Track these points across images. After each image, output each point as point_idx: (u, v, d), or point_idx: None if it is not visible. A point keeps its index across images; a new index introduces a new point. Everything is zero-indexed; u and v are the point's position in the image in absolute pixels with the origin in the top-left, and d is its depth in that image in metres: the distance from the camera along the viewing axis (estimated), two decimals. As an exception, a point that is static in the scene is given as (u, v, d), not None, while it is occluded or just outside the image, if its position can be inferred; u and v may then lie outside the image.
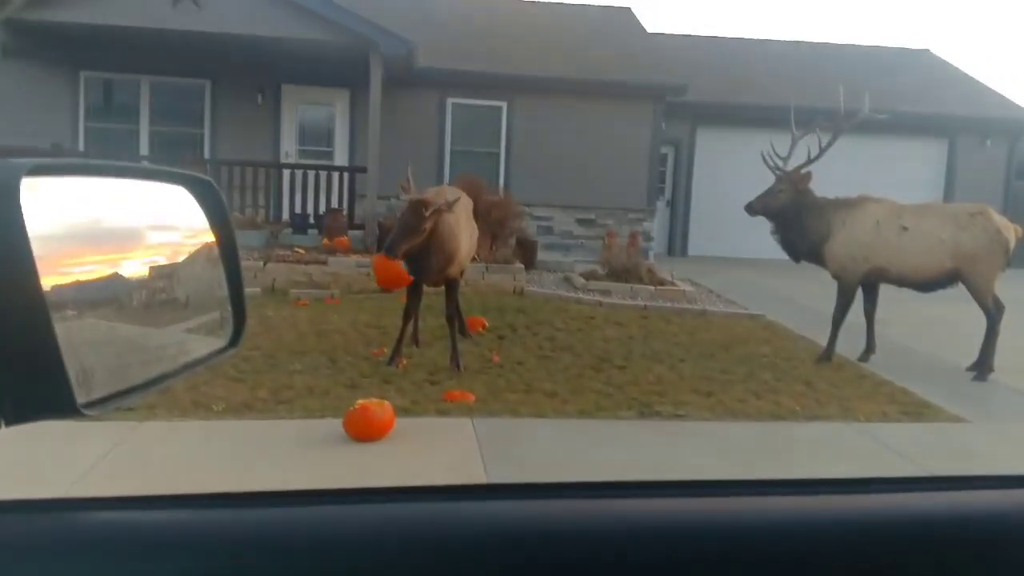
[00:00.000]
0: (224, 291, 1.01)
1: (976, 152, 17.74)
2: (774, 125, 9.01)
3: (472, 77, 14.14)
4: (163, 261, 0.93)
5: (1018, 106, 18.37)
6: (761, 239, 8.22)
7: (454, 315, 6.43)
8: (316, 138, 14.67)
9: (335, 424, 4.64)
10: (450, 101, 14.48)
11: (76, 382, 0.69)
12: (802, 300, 10.54)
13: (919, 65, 19.86)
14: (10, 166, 0.69)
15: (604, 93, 14.58)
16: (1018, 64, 50.60)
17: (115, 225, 0.89)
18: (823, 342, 7.36)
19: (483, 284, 10.16)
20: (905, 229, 7.00)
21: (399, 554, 0.78)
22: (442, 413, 5.20)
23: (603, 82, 14.55)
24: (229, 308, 1.02)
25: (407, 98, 13.89)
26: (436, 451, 4.62)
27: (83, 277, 0.77)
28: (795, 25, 57.89)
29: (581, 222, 14.83)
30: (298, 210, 12.27)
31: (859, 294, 7.31)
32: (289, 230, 12.01)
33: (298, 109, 14.47)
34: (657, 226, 15.81)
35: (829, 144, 7.31)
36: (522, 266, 10.89)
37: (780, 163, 7.37)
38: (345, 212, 12.09)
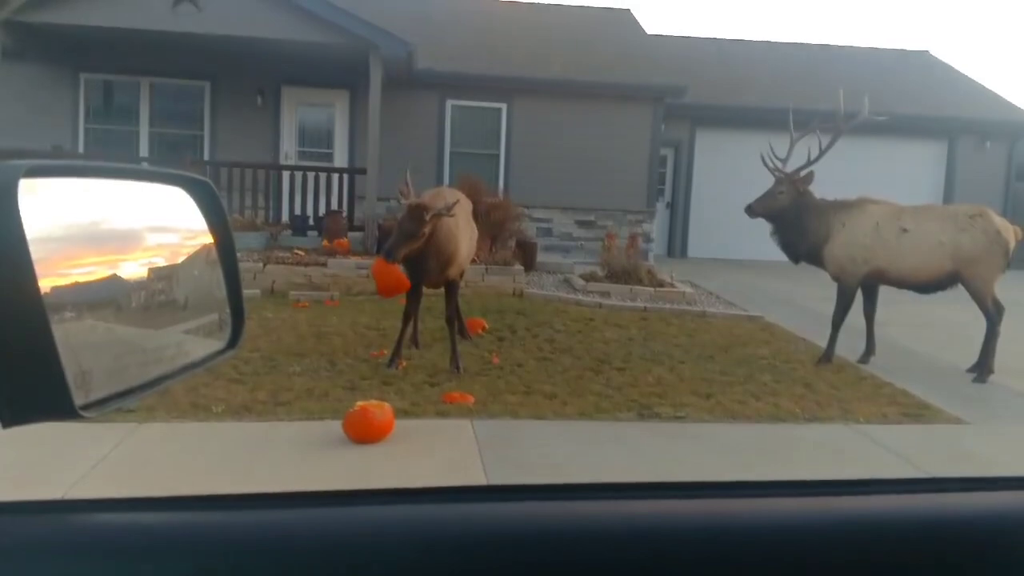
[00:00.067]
0: (223, 292, 1.01)
1: (976, 154, 17.75)
2: (774, 127, 9.01)
3: (472, 79, 14.15)
4: (162, 262, 0.93)
5: (1018, 108, 18.39)
6: (760, 241, 8.22)
7: (454, 317, 6.43)
8: (316, 140, 14.68)
9: (334, 426, 4.64)
10: (450, 103, 14.49)
11: (74, 384, 0.69)
12: (802, 302, 10.54)
13: (919, 67, 19.89)
14: (8, 167, 0.69)
15: (604, 95, 14.59)
16: (1018, 66, 50.64)
17: (113, 227, 0.88)
18: (823, 344, 7.36)
19: (483, 286, 10.16)
20: (905, 231, 7.00)
21: (398, 555, 0.78)
22: (442, 415, 5.19)
23: (603, 84, 14.56)
24: (227, 309, 1.02)
25: (407, 100, 13.90)
26: (436, 453, 4.62)
27: (81, 279, 0.77)
28: (795, 27, 57.96)
29: (581, 224, 14.84)
30: (298, 212, 12.27)
31: (859, 296, 7.31)
32: (289, 232, 12.01)
33: (298, 110, 14.48)
34: (657, 228, 15.81)
35: (829, 145, 7.31)
36: (522, 268, 10.89)
37: (779, 164, 7.37)
38: (345, 214, 12.09)
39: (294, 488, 0.89)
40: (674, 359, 7.12)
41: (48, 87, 13.64)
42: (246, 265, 9.45)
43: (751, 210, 7.48)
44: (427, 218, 5.70)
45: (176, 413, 4.89)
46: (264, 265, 9.88)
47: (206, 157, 13.74)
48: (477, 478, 4.12)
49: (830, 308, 7.33)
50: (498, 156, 14.74)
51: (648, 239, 14.86)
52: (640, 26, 17.78)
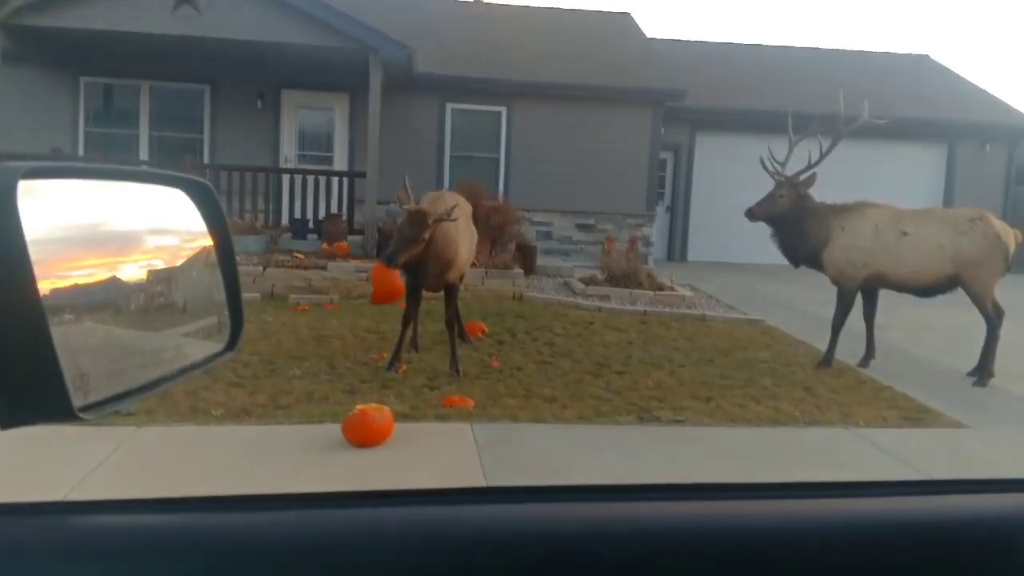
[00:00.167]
0: (222, 295, 1.01)
1: (975, 157, 17.76)
2: (774, 130, 9.02)
3: (472, 83, 14.17)
4: (160, 265, 0.93)
5: (1017, 111, 18.41)
6: (760, 244, 8.22)
7: (453, 320, 6.42)
8: (316, 143, 14.69)
9: (334, 429, 4.63)
10: (449, 106, 14.51)
11: (73, 386, 0.69)
12: (801, 305, 10.54)
13: (918, 70, 19.91)
14: (7, 169, 0.69)
15: (603, 98, 14.61)
16: (1017, 69, 50.70)
17: (112, 228, 0.88)
18: (823, 347, 7.36)
19: (482, 289, 10.16)
20: (904, 234, 7.00)
21: (397, 557, 0.78)
22: (441, 418, 5.19)
23: (602, 87, 14.57)
24: (226, 312, 1.02)
25: (407, 103, 13.91)
26: (435, 456, 4.62)
27: (80, 280, 0.77)
28: (795, 30, 58.08)
29: (580, 227, 14.85)
30: (297, 215, 12.28)
31: (859, 299, 7.31)
32: (288, 235, 12.01)
33: (298, 114, 14.50)
34: (656, 231, 15.82)
35: (829, 149, 7.32)
36: (521, 271, 10.89)
37: (778, 168, 7.38)
38: (344, 217, 12.09)
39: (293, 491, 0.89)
40: (674, 363, 7.11)
41: (48, 91, 13.66)
42: (246, 268, 9.44)
43: (751, 214, 7.48)
44: (428, 223, 5.70)
45: (175, 416, 4.89)
46: (264, 268, 9.88)
47: (206, 160, 13.74)
48: (476, 481, 4.11)
49: (830, 312, 7.33)
50: (498, 160, 14.75)
51: (648, 243, 14.87)
52: (640, 30, 17.81)
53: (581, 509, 0.87)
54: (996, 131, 17.78)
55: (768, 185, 7.49)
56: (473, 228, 7.00)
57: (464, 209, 6.62)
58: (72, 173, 0.86)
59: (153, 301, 0.91)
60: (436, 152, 14.47)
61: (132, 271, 0.87)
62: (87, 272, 0.79)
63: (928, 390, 6.46)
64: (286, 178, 12.52)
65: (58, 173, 0.82)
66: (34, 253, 0.67)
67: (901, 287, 7.21)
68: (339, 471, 4.25)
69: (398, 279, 6.25)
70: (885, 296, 7.47)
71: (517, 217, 12.32)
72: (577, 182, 14.54)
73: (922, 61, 20.82)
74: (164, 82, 14.01)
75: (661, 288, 10.86)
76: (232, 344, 1.03)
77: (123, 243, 0.89)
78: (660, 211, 16.54)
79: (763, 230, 7.62)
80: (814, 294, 9.31)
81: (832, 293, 7.37)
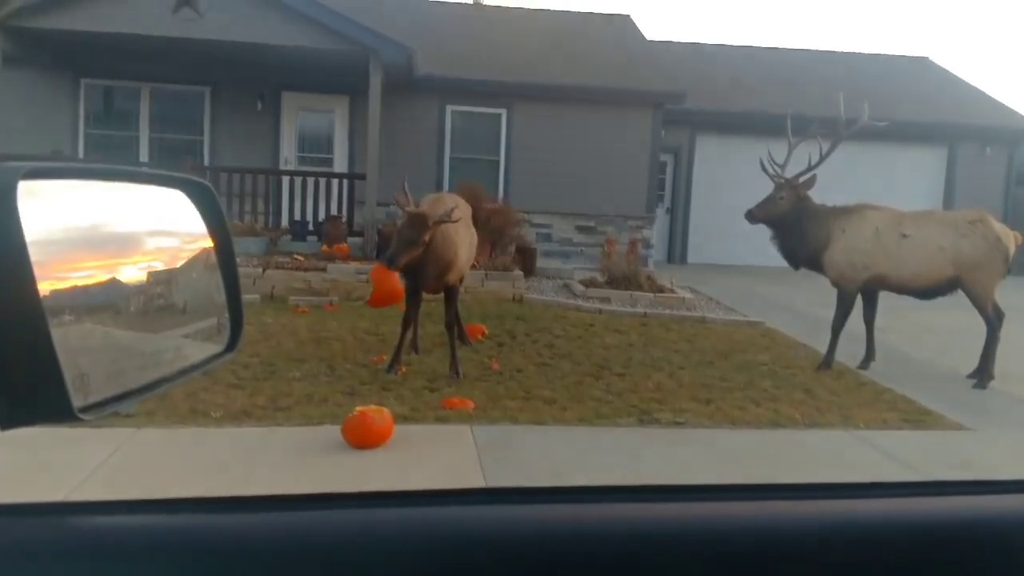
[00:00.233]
0: (221, 296, 1.01)
1: (975, 159, 17.77)
2: (773, 132, 9.02)
3: (472, 84, 14.17)
4: (160, 266, 0.93)
5: (1017, 113, 18.42)
6: (760, 246, 8.23)
7: (453, 322, 6.42)
8: (315, 145, 14.69)
9: (334, 431, 4.63)
10: (450, 108, 14.51)
11: (73, 386, 0.69)
12: (801, 307, 10.54)
13: (918, 72, 19.92)
14: (7, 169, 0.69)
15: (603, 100, 14.61)
16: (1017, 72, 50.73)
17: (112, 230, 0.88)
18: (823, 349, 7.36)
19: (482, 291, 10.16)
20: (905, 237, 7.00)
21: (396, 558, 0.78)
22: (441, 420, 5.19)
23: (602, 89, 14.58)
24: (226, 313, 1.02)
25: (407, 105, 13.91)
26: (435, 458, 4.61)
27: (80, 282, 0.77)
28: (795, 33, 58.09)
29: (580, 229, 14.85)
30: (297, 217, 12.28)
31: (859, 301, 7.31)
32: (288, 237, 12.01)
33: (298, 116, 14.50)
34: (656, 233, 15.82)
35: (829, 151, 7.32)
36: (521, 273, 10.88)
37: (779, 170, 7.38)
38: (344, 219, 12.09)
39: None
40: (674, 365, 7.11)
41: (48, 92, 13.66)
42: (246, 270, 9.44)
43: (751, 216, 7.48)
44: (428, 225, 5.70)
45: (175, 418, 4.88)
46: (264, 270, 9.88)
47: (206, 162, 13.73)
48: (476, 483, 4.11)
49: (830, 314, 7.33)
50: (498, 161, 14.75)
51: (648, 245, 14.86)
52: (640, 32, 17.82)
53: (581, 510, 0.87)
54: (996, 133, 17.80)
55: (768, 187, 7.49)
56: (473, 230, 7.00)
57: (464, 211, 6.61)
58: (72, 174, 0.85)
59: (153, 302, 0.91)
60: (436, 154, 14.47)
61: (132, 272, 0.87)
62: (87, 273, 0.79)
63: (928, 392, 6.46)
64: (286, 180, 12.52)
65: (58, 174, 0.82)
66: (34, 254, 0.67)
67: (901, 289, 7.21)
68: (339, 473, 4.24)
69: (397, 281, 6.25)
70: (885, 298, 7.47)
71: (517, 219, 12.32)
72: (577, 184, 14.54)
73: (922, 63, 20.83)
74: (164, 84, 14.01)
75: (661, 290, 10.85)
76: (232, 346, 1.03)
77: (123, 244, 0.89)
78: (660, 213, 16.55)
79: (763, 232, 7.62)
80: (814, 296, 9.31)
81: (832, 295, 7.37)
